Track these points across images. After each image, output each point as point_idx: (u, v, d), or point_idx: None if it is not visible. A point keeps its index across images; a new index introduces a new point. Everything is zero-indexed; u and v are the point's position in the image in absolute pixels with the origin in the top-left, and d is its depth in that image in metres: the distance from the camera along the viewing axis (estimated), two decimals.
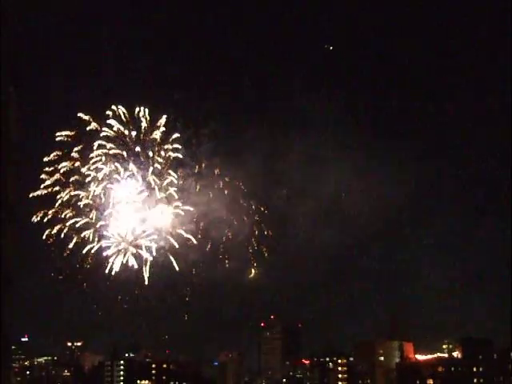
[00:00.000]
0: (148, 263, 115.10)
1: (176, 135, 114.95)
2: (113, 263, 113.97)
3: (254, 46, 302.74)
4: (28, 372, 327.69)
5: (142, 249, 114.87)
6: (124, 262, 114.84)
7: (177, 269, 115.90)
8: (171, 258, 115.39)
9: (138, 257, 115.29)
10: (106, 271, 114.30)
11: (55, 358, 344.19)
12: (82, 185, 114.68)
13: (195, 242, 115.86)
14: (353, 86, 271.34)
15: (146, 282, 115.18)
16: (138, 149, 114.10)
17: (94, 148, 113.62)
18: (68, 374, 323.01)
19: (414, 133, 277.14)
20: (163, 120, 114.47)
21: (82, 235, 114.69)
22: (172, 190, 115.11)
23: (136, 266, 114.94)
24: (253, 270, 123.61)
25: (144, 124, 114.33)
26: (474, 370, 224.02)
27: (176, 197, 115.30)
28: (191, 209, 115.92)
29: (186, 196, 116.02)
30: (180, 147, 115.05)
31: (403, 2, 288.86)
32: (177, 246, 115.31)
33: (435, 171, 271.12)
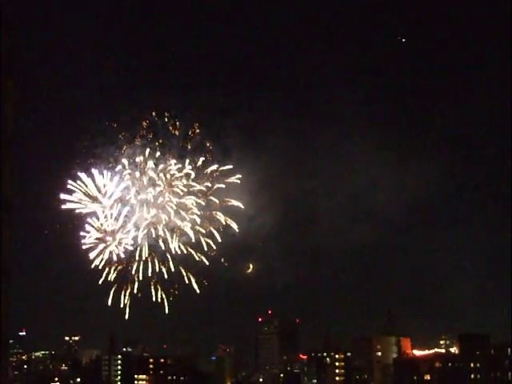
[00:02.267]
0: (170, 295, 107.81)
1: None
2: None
3: (282, 36, 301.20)
4: (25, 366, 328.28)
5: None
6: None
7: (197, 291, 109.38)
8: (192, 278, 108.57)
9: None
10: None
11: (53, 352, 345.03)
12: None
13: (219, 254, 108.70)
14: (385, 80, 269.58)
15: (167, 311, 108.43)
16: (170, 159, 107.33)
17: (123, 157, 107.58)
18: (65, 368, 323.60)
19: (447, 128, 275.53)
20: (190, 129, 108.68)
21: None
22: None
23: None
24: (250, 265, 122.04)
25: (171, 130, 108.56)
26: (472, 365, 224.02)
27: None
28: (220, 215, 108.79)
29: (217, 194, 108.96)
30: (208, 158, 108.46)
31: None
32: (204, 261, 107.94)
33: (464, 168, 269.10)
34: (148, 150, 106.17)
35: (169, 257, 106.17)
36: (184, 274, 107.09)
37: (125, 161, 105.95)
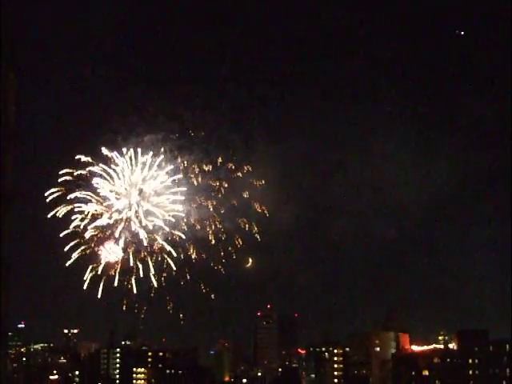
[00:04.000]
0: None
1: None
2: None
3: (315, 27, 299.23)
4: (24, 359, 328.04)
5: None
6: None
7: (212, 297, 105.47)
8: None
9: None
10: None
11: (51, 344, 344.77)
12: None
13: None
14: (412, 77, 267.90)
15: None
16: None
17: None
18: (64, 361, 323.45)
19: (472, 126, 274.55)
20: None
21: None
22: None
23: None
24: (250, 260, 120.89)
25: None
26: (470, 361, 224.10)
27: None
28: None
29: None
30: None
31: None
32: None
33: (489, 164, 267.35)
34: (163, 149, 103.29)
35: (186, 265, 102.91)
36: (201, 284, 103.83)
37: (144, 158, 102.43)
